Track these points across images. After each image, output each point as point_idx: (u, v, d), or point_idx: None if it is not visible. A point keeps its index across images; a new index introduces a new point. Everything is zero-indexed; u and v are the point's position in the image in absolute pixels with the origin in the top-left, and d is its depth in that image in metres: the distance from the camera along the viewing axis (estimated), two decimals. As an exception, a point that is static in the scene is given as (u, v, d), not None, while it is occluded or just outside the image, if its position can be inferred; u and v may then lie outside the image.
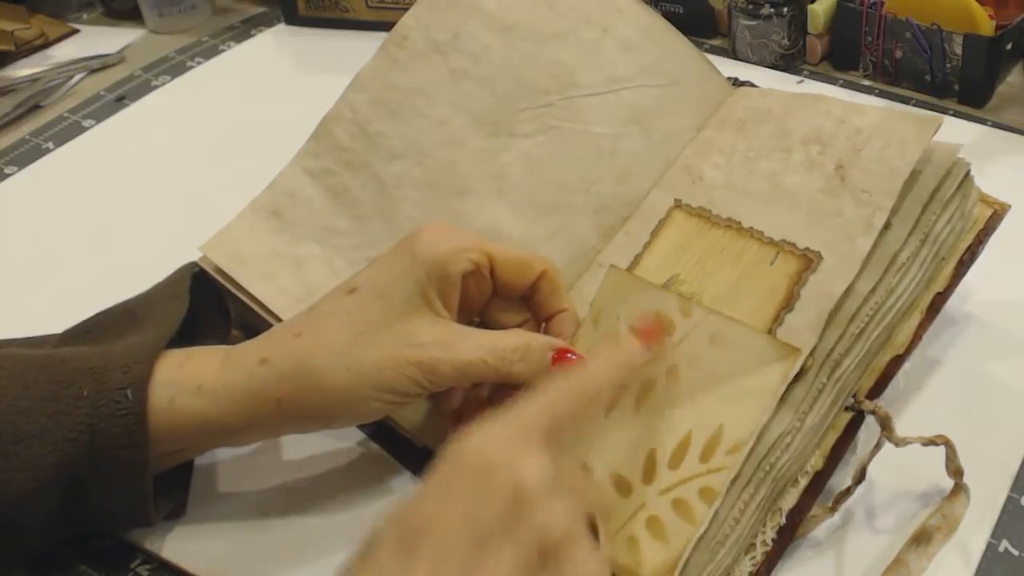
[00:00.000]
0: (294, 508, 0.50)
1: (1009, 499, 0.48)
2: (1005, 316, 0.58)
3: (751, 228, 0.49)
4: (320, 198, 0.54)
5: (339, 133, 0.55)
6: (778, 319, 0.46)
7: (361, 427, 0.52)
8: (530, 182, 0.54)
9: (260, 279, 0.52)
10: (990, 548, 0.46)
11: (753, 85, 0.60)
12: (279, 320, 0.50)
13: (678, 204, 0.52)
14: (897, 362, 0.48)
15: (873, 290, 0.46)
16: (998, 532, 0.47)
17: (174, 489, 0.49)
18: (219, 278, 0.52)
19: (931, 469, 0.47)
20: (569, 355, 0.44)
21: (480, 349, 0.43)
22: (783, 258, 0.47)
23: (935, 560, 0.45)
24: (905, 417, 0.51)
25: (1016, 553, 0.46)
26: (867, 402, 0.46)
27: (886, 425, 0.46)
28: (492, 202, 0.53)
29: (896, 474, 0.48)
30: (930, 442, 0.46)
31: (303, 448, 0.52)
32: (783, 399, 0.44)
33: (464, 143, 0.54)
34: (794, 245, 0.48)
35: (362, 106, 0.55)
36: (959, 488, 0.47)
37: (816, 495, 0.45)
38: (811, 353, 0.45)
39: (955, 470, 0.46)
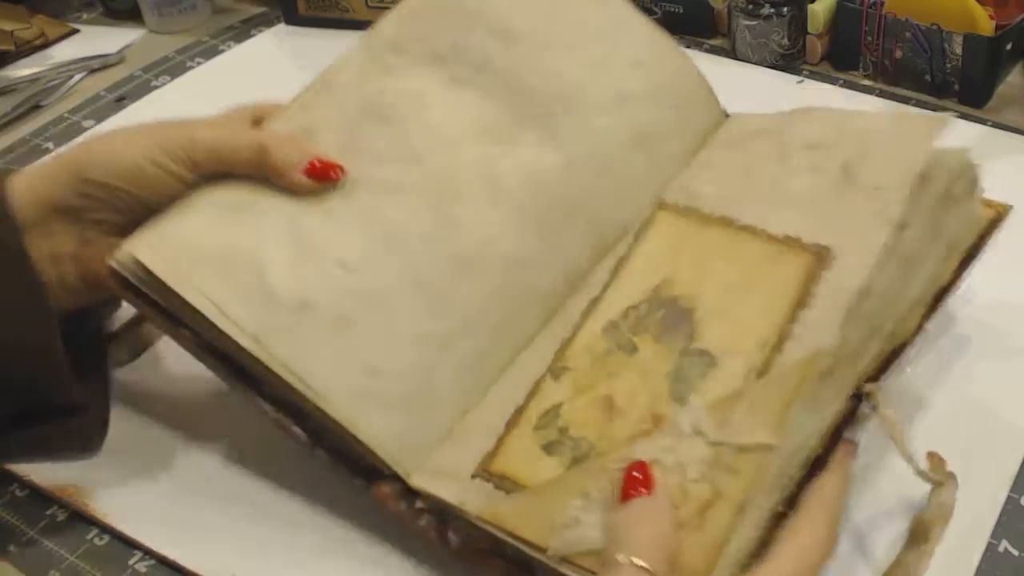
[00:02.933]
0: (294, 505, 0.50)
1: (1009, 499, 0.48)
2: (1005, 316, 0.57)
3: (750, 225, 0.47)
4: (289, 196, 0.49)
5: (326, 139, 0.50)
6: (793, 317, 0.43)
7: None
8: (529, 195, 0.50)
9: (210, 276, 0.45)
10: (990, 548, 0.46)
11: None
12: (237, 330, 0.45)
13: (662, 205, 0.50)
14: (899, 350, 0.46)
15: (891, 290, 0.45)
16: (998, 532, 0.46)
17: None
18: (144, 287, 0.46)
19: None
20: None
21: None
22: (790, 254, 0.45)
23: (935, 560, 0.45)
24: (904, 418, 0.50)
25: (1016, 553, 0.45)
26: (867, 385, 0.44)
27: (881, 413, 0.44)
28: (488, 210, 0.50)
29: (891, 475, 0.47)
30: (924, 475, 0.44)
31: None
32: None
33: (460, 150, 0.51)
34: (799, 240, 0.45)
35: (350, 111, 0.51)
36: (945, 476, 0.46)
37: (814, 474, 0.43)
38: (835, 354, 0.43)
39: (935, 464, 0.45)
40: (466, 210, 0.49)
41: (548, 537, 0.41)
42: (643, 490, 0.40)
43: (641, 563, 0.37)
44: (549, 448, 0.44)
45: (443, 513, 0.44)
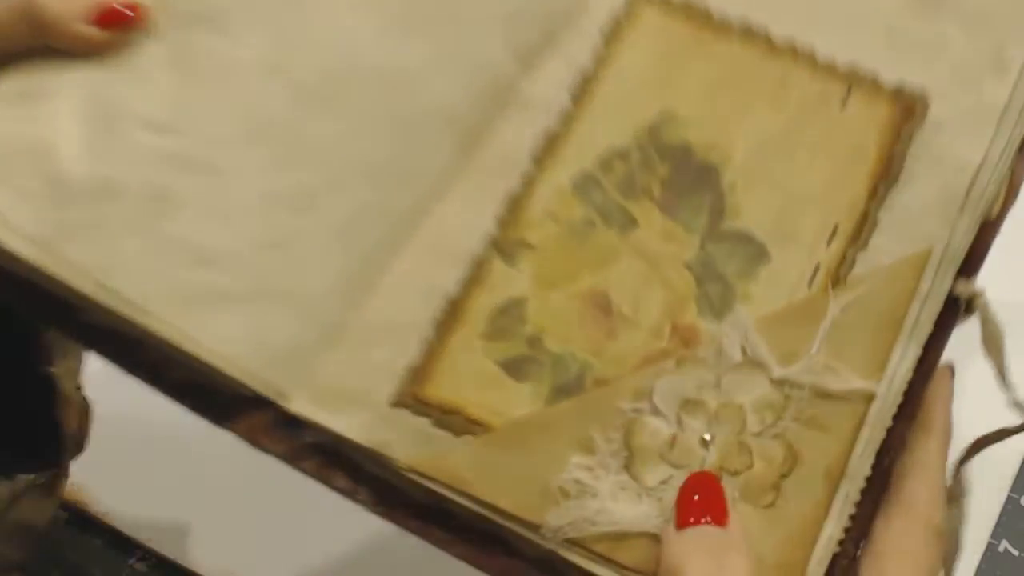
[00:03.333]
0: (296, 505, 0.50)
1: (1009, 499, 0.46)
2: (1004, 314, 0.57)
3: (792, 43, 0.32)
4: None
5: None
6: (876, 195, 0.30)
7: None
8: None
9: None
10: (990, 548, 0.44)
11: None
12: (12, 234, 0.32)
13: None
14: (990, 230, 0.33)
15: (1001, 154, 0.31)
16: (998, 532, 0.45)
17: None
18: None
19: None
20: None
21: None
22: (861, 97, 0.31)
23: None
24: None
25: (1016, 553, 0.44)
26: (962, 284, 0.31)
27: (985, 318, 0.32)
28: (341, 17, 0.36)
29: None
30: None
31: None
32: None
33: None
34: (875, 78, 0.31)
35: None
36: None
37: (911, 419, 0.30)
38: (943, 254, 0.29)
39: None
40: (311, 23, 0.36)
41: (539, 509, 0.26)
42: (707, 519, 0.26)
43: None
44: (514, 368, 0.29)
45: (342, 453, 0.29)
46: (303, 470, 0.30)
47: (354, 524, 0.48)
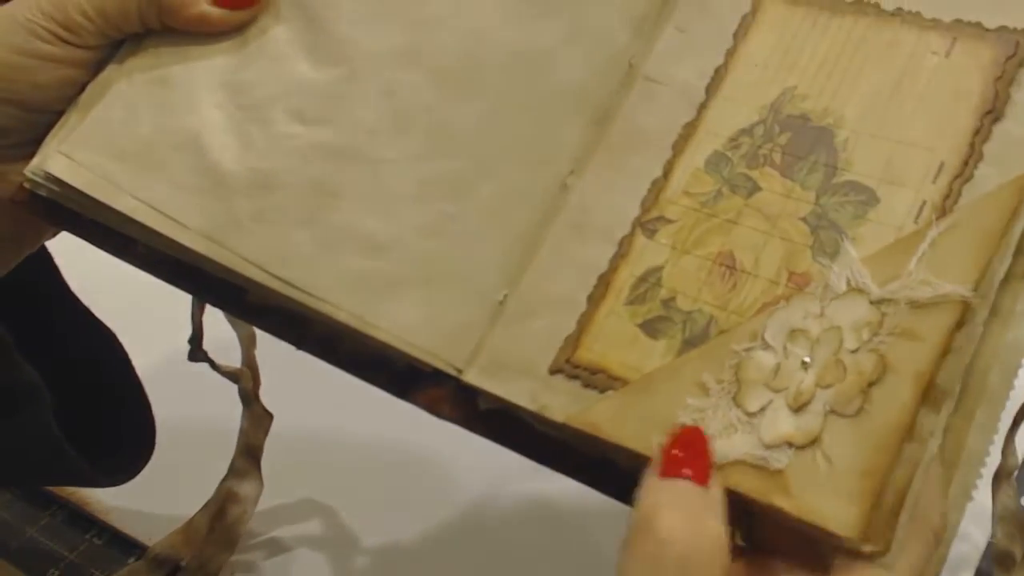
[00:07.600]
0: (294, 505, 0.51)
1: None
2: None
3: (899, 10, 0.33)
4: (223, 44, 0.37)
5: None
6: (980, 130, 0.31)
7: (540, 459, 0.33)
8: None
9: (142, 173, 0.35)
10: (990, 548, 0.45)
11: None
12: (182, 230, 0.35)
13: None
14: None
15: None
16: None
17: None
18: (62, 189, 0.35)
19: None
20: None
21: None
22: (965, 45, 0.32)
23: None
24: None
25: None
26: None
27: None
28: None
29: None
30: None
31: (317, 447, 0.52)
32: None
33: None
34: (979, 25, 0.32)
35: None
36: None
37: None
38: None
39: None
40: (439, 3, 0.37)
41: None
42: (686, 471, 0.26)
43: None
44: (651, 327, 0.31)
45: (510, 414, 0.33)
46: (479, 433, 0.33)
47: (352, 524, 0.48)
